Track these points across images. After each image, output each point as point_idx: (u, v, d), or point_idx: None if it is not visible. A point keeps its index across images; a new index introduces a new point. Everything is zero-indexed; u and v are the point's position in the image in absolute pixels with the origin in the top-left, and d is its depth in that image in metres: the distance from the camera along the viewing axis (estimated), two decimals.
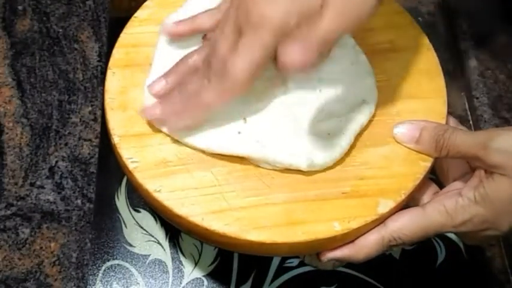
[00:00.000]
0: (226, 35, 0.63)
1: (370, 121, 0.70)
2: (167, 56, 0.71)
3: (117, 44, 0.74)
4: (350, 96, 0.70)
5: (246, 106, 0.68)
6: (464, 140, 0.65)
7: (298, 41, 0.58)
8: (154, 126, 0.68)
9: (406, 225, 0.65)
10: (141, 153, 0.66)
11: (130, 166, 0.66)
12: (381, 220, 0.65)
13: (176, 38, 0.73)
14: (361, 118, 0.69)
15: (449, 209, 0.64)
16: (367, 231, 0.65)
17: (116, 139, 0.67)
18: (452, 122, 0.72)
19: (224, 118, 0.67)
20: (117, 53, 0.73)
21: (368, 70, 0.73)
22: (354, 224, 0.64)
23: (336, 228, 0.63)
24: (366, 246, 0.66)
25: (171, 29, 0.72)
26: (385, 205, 0.65)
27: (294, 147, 0.66)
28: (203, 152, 0.67)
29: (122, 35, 0.75)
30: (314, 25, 0.58)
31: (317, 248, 0.66)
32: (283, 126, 0.67)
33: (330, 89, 0.70)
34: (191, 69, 0.68)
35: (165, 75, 0.69)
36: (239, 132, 0.66)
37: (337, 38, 0.60)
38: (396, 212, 0.66)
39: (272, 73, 0.69)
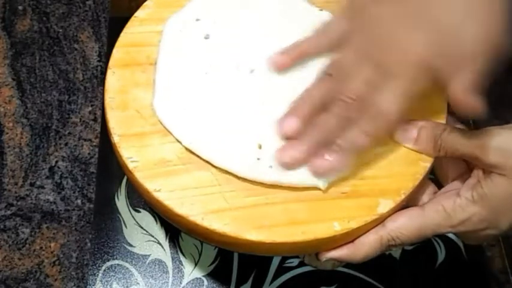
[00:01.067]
0: (363, 76, 0.64)
1: None
2: (169, 71, 0.71)
3: (117, 44, 0.74)
4: None
5: (261, 130, 0.68)
6: (462, 139, 0.64)
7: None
8: (153, 125, 0.68)
9: (405, 226, 0.65)
10: (141, 153, 0.66)
11: (130, 166, 0.65)
12: (381, 220, 0.65)
13: (282, 68, 0.71)
14: None
15: (448, 209, 0.64)
16: (367, 231, 0.65)
17: (115, 138, 0.67)
18: (451, 121, 0.72)
19: (240, 140, 0.67)
20: (117, 52, 0.73)
21: None
22: (354, 224, 0.63)
23: (336, 228, 0.63)
24: (365, 247, 0.66)
25: (278, 61, 0.70)
26: (385, 205, 0.65)
27: (309, 171, 0.66)
28: None
29: (122, 34, 0.75)
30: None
31: (317, 247, 0.66)
32: None
33: None
34: (318, 107, 0.66)
35: (293, 114, 0.66)
36: (258, 159, 0.66)
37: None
38: (396, 212, 0.66)
39: (284, 95, 0.69)
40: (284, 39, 0.73)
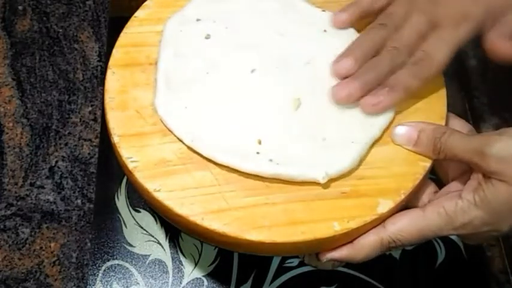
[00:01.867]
0: (414, 25, 0.71)
1: None
2: (170, 71, 0.71)
3: (117, 44, 0.74)
4: None
5: (260, 123, 0.68)
6: (461, 144, 0.64)
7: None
8: (153, 125, 0.68)
9: (405, 227, 0.65)
10: (141, 153, 0.66)
11: (130, 166, 0.65)
12: (380, 220, 0.65)
13: (348, 25, 0.76)
14: (377, 128, 0.69)
15: (449, 211, 0.63)
16: (367, 231, 0.65)
17: (115, 138, 0.67)
18: (452, 117, 0.72)
19: (240, 135, 0.67)
20: (117, 52, 0.73)
21: None
22: (353, 224, 0.63)
23: (336, 228, 0.63)
24: (365, 248, 0.66)
25: (342, 18, 0.76)
26: (385, 205, 0.65)
27: (308, 162, 0.66)
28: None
29: (121, 34, 0.75)
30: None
31: (316, 247, 0.66)
32: (296, 141, 0.67)
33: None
34: (370, 52, 0.71)
35: (348, 55, 0.71)
36: (258, 153, 0.66)
37: None
38: (396, 212, 0.65)
39: (285, 89, 0.69)
40: (284, 39, 0.73)
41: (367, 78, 0.69)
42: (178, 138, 0.67)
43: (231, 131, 0.67)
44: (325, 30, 0.75)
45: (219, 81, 0.70)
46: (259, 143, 0.66)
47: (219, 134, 0.67)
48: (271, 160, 0.65)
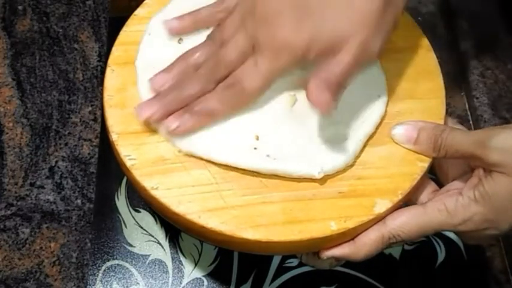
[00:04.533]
0: (237, 44, 0.67)
1: None
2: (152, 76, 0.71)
3: (116, 42, 0.74)
4: (359, 103, 0.70)
5: (257, 120, 0.68)
6: (462, 139, 0.64)
7: (319, 76, 0.62)
8: (150, 124, 0.68)
9: (406, 224, 0.65)
10: (139, 151, 0.66)
11: (128, 163, 0.66)
12: (378, 220, 0.65)
13: (178, 33, 0.73)
14: (369, 124, 0.69)
15: (450, 208, 0.63)
16: (364, 231, 0.65)
17: (114, 136, 0.67)
18: (451, 122, 0.72)
19: (236, 132, 0.67)
20: (117, 50, 0.73)
21: (379, 73, 0.73)
22: (350, 224, 0.63)
23: (332, 227, 0.63)
24: (366, 244, 0.65)
25: (174, 25, 0.72)
26: (382, 205, 0.65)
27: (304, 158, 0.66)
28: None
29: (121, 32, 0.75)
30: (334, 58, 0.63)
31: (313, 247, 0.66)
32: (293, 137, 0.67)
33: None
34: (191, 68, 0.69)
35: (167, 70, 0.69)
36: (255, 148, 0.66)
37: (355, 72, 0.64)
38: (393, 212, 0.66)
39: (281, 86, 0.69)
40: None
41: (169, 99, 0.67)
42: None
43: (227, 128, 0.67)
44: None
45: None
46: (257, 138, 0.66)
47: (215, 132, 0.67)
48: (268, 155, 0.65)
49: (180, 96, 0.67)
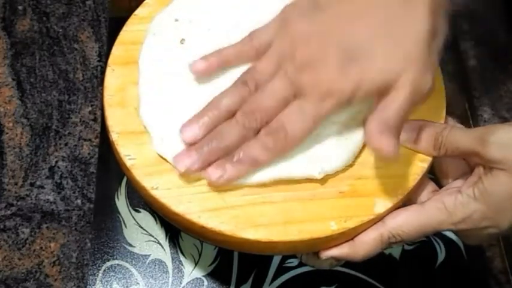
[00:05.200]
0: (276, 89, 0.64)
1: None
2: (151, 84, 0.70)
3: (116, 41, 0.74)
4: (360, 102, 0.70)
5: None
6: (462, 136, 0.64)
7: (377, 119, 0.61)
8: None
9: (405, 223, 0.65)
10: (139, 150, 0.66)
11: (128, 163, 0.66)
12: (378, 220, 0.65)
13: (204, 75, 0.69)
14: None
15: (449, 206, 0.63)
16: (364, 231, 0.65)
17: (114, 136, 0.67)
18: (451, 122, 0.72)
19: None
20: (117, 50, 0.73)
21: None
22: (350, 224, 0.63)
23: (332, 227, 0.63)
24: (365, 244, 0.65)
25: (199, 67, 0.68)
26: (382, 205, 0.65)
27: (304, 159, 0.66)
28: None
29: (121, 32, 0.75)
30: (388, 99, 0.62)
31: (313, 246, 0.66)
32: None
33: None
34: (224, 114, 0.65)
35: (197, 119, 0.65)
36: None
37: (410, 112, 0.63)
38: (393, 211, 0.66)
39: None
40: None
41: (209, 149, 0.64)
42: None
43: None
44: None
45: (202, 96, 0.69)
46: None
47: None
48: (268, 165, 0.65)
49: (219, 146, 0.64)
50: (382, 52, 0.62)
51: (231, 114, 0.65)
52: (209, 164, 0.64)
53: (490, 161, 0.61)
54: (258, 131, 0.64)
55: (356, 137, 0.68)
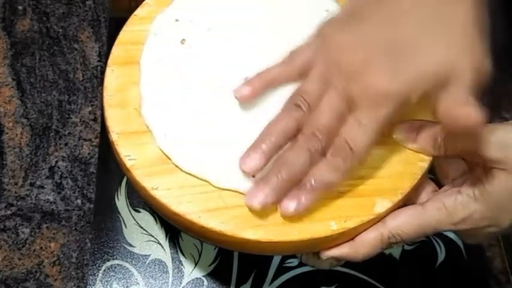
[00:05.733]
0: (330, 106, 0.62)
1: None
2: (152, 86, 0.70)
3: (116, 41, 0.74)
4: None
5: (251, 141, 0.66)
6: (462, 136, 0.64)
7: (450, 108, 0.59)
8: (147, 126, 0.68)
9: (405, 223, 0.64)
10: (139, 151, 0.66)
11: (128, 163, 0.65)
12: (378, 220, 0.65)
13: (250, 100, 0.68)
14: None
15: (449, 206, 0.63)
16: (364, 231, 0.65)
17: (114, 136, 0.67)
18: None
19: (234, 156, 0.65)
20: (117, 50, 0.73)
21: None
22: (350, 224, 0.63)
23: (332, 227, 0.63)
24: (365, 244, 0.65)
25: (245, 92, 0.67)
26: (382, 205, 0.65)
27: None
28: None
29: (121, 32, 0.74)
30: (450, 91, 0.59)
31: (313, 247, 0.66)
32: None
33: None
34: (282, 141, 0.64)
35: (254, 149, 0.63)
36: (253, 176, 0.65)
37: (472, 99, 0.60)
38: (392, 212, 0.65)
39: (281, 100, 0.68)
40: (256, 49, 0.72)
41: (280, 180, 0.62)
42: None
43: (222, 153, 0.66)
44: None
45: (201, 98, 0.69)
46: None
47: (211, 155, 0.66)
48: None
49: (289, 175, 0.62)
50: (431, 46, 0.60)
51: (288, 140, 0.64)
52: (283, 195, 0.62)
53: (489, 161, 0.61)
54: (322, 153, 0.62)
55: None
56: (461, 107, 0.58)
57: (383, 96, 0.60)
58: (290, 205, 0.62)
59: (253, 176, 0.64)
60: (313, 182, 0.62)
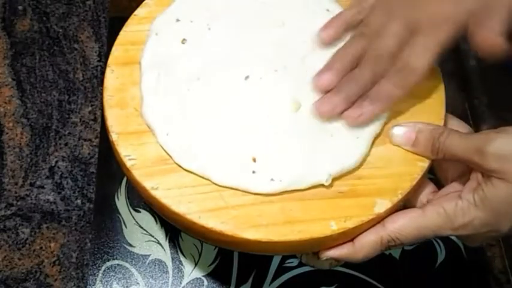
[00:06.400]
0: (393, 32, 0.68)
1: None
2: (152, 85, 0.70)
3: (116, 42, 0.74)
4: None
5: (254, 143, 0.67)
6: (460, 144, 0.64)
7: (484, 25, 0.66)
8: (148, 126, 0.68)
9: (405, 227, 0.64)
10: (139, 151, 0.66)
11: (128, 163, 0.65)
12: (378, 220, 0.65)
13: (335, 40, 0.74)
14: (376, 123, 0.69)
15: (449, 212, 0.63)
16: (364, 231, 0.65)
17: (114, 136, 0.67)
18: (451, 119, 0.72)
19: (233, 155, 0.66)
20: (117, 50, 0.73)
21: None
22: (350, 224, 0.63)
23: (333, 227, 0.63)
24: (365, 247, 0.65)
25: (329, 34, 0.74)
26: (382, 205, 0.65)
27: (310, 169, 0.66)
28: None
29: (121, 32, 0.74)
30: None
31: (313, 247, 0.66)
32: (295, 151, 0.67)
33: None
34: (350, 63, 0.70)
35: (329, 68, 0.70)
36: (253, 172, 0.66)
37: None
38: (393, 212, 0.65)
39: (284, 92, 0.69)
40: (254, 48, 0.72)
41: (349, 90, 0.68)
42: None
43: (223, 150, 0.66)
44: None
45: (204, 95, 0.69)
46: (254, 160, 0.66)
47: (213, 153, 0.66)
48: (272, 179, 0.65)
49: (356, 88, 0.68)
50: None
51: (356, 63, 0.69)
52: (348, 107, 0.69)
53: (488, 171, 0.61)
54: (383, 75, 0.69)
55: (364, 137, 0.68)
56: (495, 37, 0.65)
57: (445, 20, 0.67)
58: (353, 112, 0.68)
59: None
60: (375, 94, 0.68)
